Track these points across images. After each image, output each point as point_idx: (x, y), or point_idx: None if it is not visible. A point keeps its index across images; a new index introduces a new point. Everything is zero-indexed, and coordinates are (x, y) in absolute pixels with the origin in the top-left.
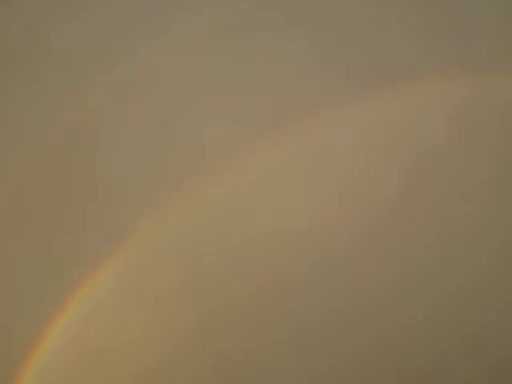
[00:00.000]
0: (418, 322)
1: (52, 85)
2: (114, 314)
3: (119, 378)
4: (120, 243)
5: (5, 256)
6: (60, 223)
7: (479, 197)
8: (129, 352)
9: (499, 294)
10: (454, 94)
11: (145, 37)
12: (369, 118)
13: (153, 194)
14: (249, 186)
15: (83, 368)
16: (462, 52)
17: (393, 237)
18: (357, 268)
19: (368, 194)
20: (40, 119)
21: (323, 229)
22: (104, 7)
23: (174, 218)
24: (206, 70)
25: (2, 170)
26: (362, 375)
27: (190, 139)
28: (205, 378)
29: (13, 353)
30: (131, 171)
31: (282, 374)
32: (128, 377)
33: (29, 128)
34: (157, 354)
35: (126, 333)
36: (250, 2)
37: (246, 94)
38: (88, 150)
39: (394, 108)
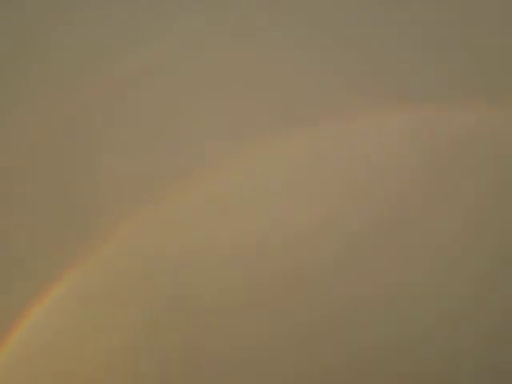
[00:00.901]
0: (416, 326)
1: (52, 85)
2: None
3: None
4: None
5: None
6: (59, 222)
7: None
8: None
9: (496, 302)
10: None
11: (145, 37)
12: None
13: (151, 192)
14: (247, 187)
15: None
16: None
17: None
18: (352, 273)
19: (365, 200)
20: (40, 119)
21: (322, 229)
22: (104, 7)
23: (172, 215)
24: (205, 70)
25: (1, 174)
26: (357, 379)
27: (188, 139)
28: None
29: None
30: (130, 171)
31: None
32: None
33: (29, 127)
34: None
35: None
36: (253, 4)
37: (246, 94)
38: (88, 150)
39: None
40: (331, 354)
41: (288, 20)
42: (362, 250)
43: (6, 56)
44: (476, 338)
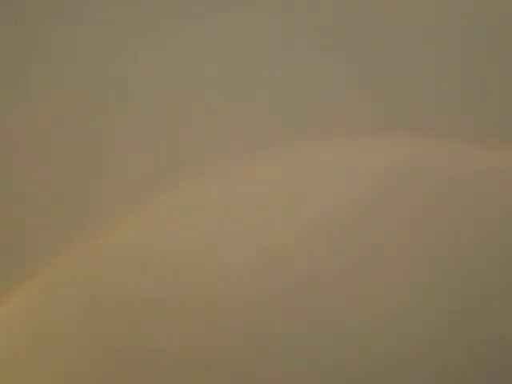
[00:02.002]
0: (417, 327)
1: (52, 85)
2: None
3: None
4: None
5: None
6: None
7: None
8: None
9: (496, 301)
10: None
11: (145, 37)
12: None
13: (151, 192)
14: (248, 189)
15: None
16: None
17: None
18: (351, 275)
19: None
20: (40, 119)
21: (322, 233)
22: (104, 7)
23: (171, 215)
24: (206, 71)
25: (2, 174)
26: None
27: (189, 140)
28: None
29: None
30: (131, 171)
31: None
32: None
33: (29, 127)
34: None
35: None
36: (255, 6)
37: (247, 95)
38: (88, 150)
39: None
40: (331, 354)
41: (291, 23)
42: (361, 251)
43: (6, 56)
44: (476, 337)
